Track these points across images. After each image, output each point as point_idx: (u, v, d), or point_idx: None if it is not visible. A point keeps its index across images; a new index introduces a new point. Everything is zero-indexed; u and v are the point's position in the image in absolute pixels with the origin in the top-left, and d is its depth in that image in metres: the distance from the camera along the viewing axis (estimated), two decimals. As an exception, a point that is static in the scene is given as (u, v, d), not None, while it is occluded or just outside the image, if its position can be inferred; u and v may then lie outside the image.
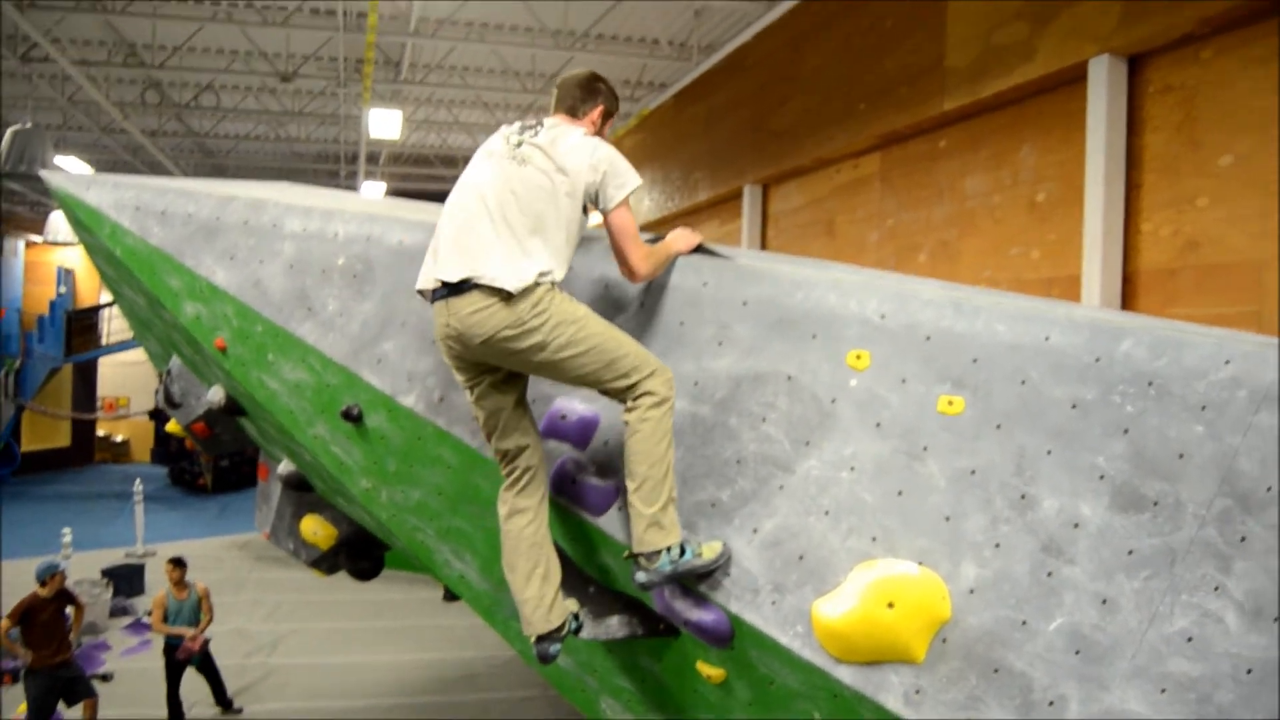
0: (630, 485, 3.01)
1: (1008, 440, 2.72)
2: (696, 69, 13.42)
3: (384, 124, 14.84)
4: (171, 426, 5.48)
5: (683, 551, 2.97)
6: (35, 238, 25.34)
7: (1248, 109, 5.60)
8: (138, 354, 19.65)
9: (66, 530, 12.71)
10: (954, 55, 7.78)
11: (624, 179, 3.12)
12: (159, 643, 8.48)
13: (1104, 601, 2.49)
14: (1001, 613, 2.60)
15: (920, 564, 2.72)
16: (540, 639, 3.19)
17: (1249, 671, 2.31)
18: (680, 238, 3.40)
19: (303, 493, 5.22)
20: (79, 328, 25.15)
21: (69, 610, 7.75)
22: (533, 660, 3.63)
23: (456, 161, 21.25)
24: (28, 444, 24.48)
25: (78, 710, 7.67)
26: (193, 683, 8.34)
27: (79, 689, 7.62)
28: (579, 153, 3.11)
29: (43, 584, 7.51)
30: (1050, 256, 7.08)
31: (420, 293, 3.19)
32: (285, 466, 5.04)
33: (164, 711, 8.19)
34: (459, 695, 9.15)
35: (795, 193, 11.11)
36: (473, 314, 2.96)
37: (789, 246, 11.14)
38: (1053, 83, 6.97)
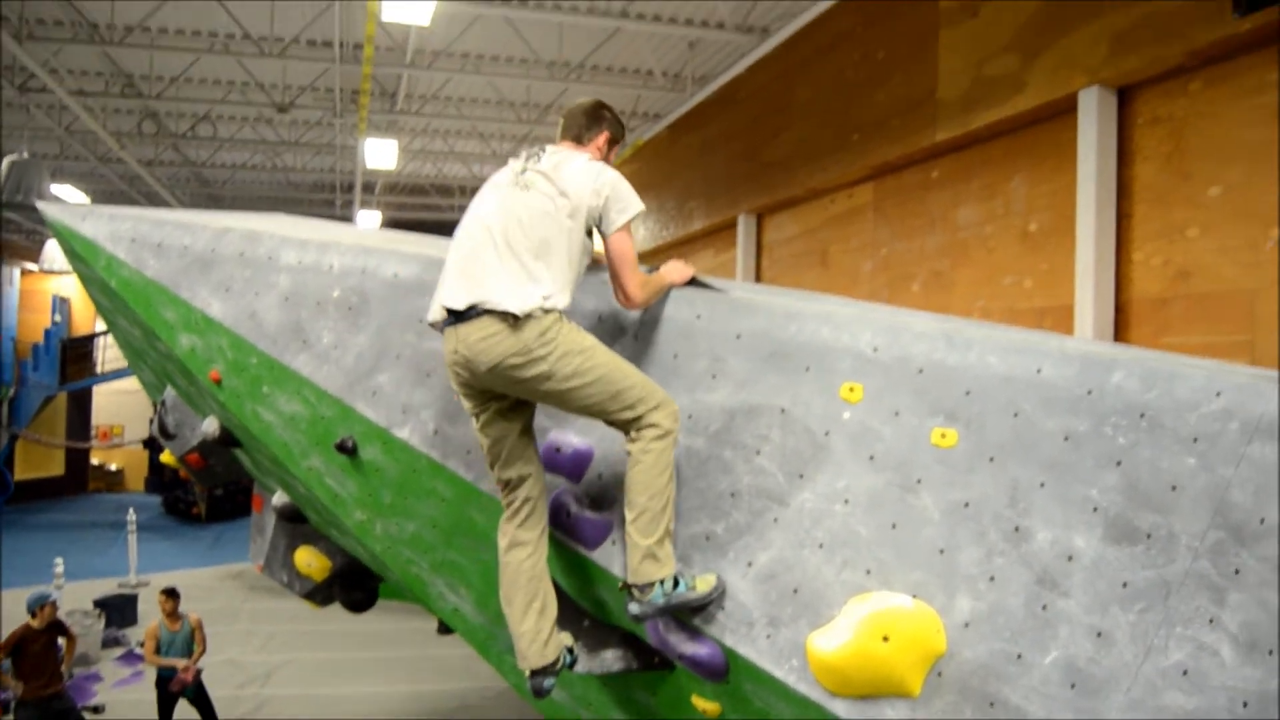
0: (629, 515, 3.01)
1: (1001, 473, 2.73)
2: (691, 100, 13.53)
3: (380, 154, 14.98)
4: (166, 457, 5.47)
5: (676, 584, 2.96)
6: (31, 266, 25.35)
7: (1236, 140, 5.67)
8: (132, 382, 19.62)
9: (59, 560, 12.64)
10: (946, 87, 7.86)
11: (626, 203, 3.14)
12: (151, 674, 8.40)
13: (1099, 634, 2.49)
14: (996, 646, 2.60)
15: (915, 597, 2.72)
16: (535, 673, 3.17)
17: (1245, 705, 2.31)
18: (673, 270, 3.42)
19: (297, 524, 5.19)
20: (74, 356, 25.19)
21: (61, 641, 7.69)
22: (527, 694, 3.60)
23: (452, 191, 21.39)
24: (21, 472, 24.36)
25: (69, 743, 7.60)
26: (185, 714, 8.25)
27: (70, 721, 7.55)
28: (583, 176, 3.14)
29: (34, 615, 7.46)
30: (1043, 286, 7.12)
31: (431, 325, 3.20)
32: (280, 498, 5.02)
33: (156, 744, 8.11)
34: (453, 727, 9.08)
35: (789, 222, 11.18)
36: (480, 340, 2.97)
37: (783, 276, 11.19)
38: (1043, 114, 7.04)
